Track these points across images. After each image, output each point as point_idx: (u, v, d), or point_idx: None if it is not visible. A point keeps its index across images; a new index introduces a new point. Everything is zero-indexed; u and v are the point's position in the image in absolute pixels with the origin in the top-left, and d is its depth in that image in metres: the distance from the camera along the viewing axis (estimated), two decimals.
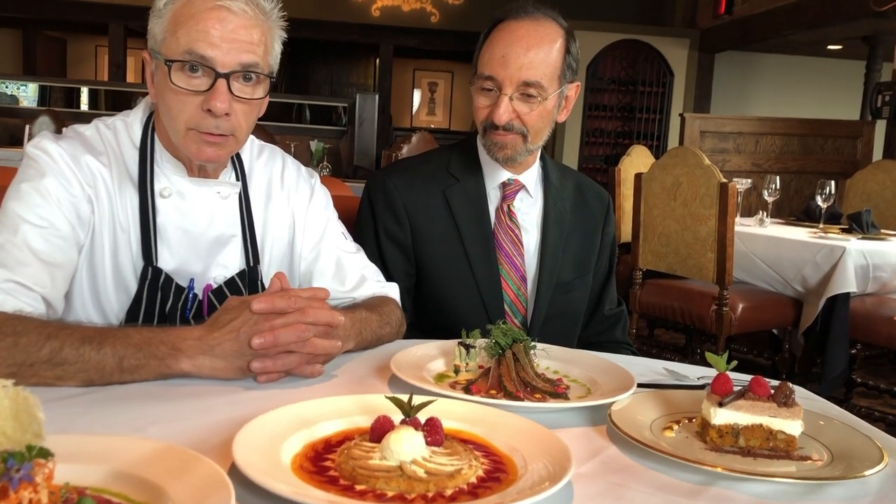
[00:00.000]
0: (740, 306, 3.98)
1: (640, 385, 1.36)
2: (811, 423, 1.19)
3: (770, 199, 4.78)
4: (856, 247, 3.95)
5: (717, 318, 3.94)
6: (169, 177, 1.55)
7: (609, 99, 10.14)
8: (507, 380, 1.33)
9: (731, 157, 6.66)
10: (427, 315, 1.80)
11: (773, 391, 1.15)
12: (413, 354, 1.47)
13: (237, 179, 1.64)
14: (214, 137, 1.46)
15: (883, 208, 5.13)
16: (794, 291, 4.13)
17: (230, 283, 1.60)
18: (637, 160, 5.51)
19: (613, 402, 1.23)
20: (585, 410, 1.26)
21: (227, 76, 1.42)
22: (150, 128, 1.56)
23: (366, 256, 1.78)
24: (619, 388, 1.31)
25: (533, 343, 1.41)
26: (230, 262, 1.60)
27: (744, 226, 4.49)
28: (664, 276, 4.32)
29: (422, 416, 1.03)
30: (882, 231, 4.47)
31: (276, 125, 9.01)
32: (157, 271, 1.51)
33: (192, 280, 1.56)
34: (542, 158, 1.99)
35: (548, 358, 1.50)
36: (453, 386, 1.36)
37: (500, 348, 1.37)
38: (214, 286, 1.58)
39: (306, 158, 7.22)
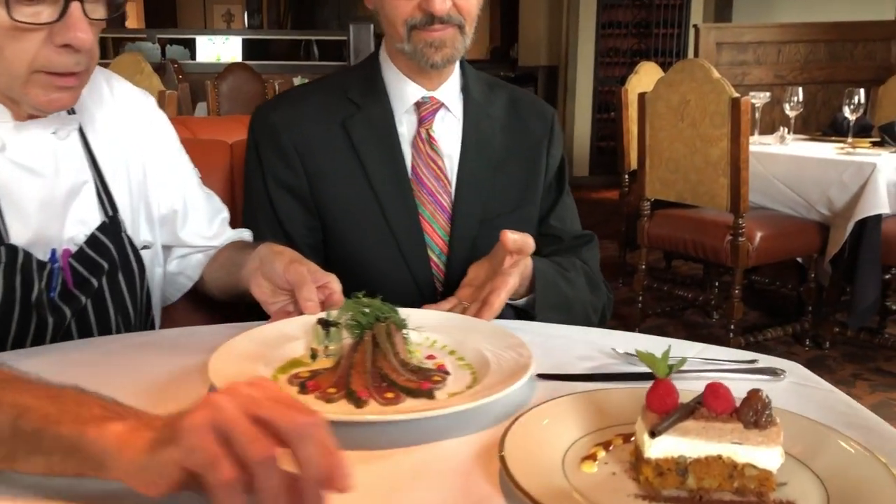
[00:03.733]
0: (758, 235, 3.58)
1: (555, 376, 1.04)
2: (801, 437, 0.84)
3: (792, 114, 4.33)
4: (888, 162, 3.52)
5: (733, 250, 3.55)
6: None
7: (623, 15, 9.50)
8: (356, 373, 1.04)
9: (750, 69, 6.13)
10: (341, 276, 1.46)
11: (739, 404, 0.79)
12: (266, 334, 1.17)
13: (69, 113, 1.33)
14: (69, 79, 1.18)
15: None
16: (820, 215, 3.72)
17: (92, 241, 1.32)
18: (646, 78, 5.04)
19: (512, 425, 0.87)
20: (466, 415, 0.93)
21: None
22: None
23: (219, 199, 1.52)
24: (511, 377, 1.01)
25: (404, 319, 1.13)
26: (88, 216, 1.33)
27: (762, 144, 4.06)
28: (674, 206, 3.93)
29: None
30: None
31: (281, 64, 8.63)
32: (12, 250, 1.22)
33: (52, 251, 1.27)
34: (461, 66, 1.61)
35: (438, 331, 1.22)
36: (292, 381, 1.07)
37: (361, 328, 1.06)
38: (74, 249, 1.30)
39: None
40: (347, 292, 1.30)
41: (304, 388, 1.03)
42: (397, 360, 1.06)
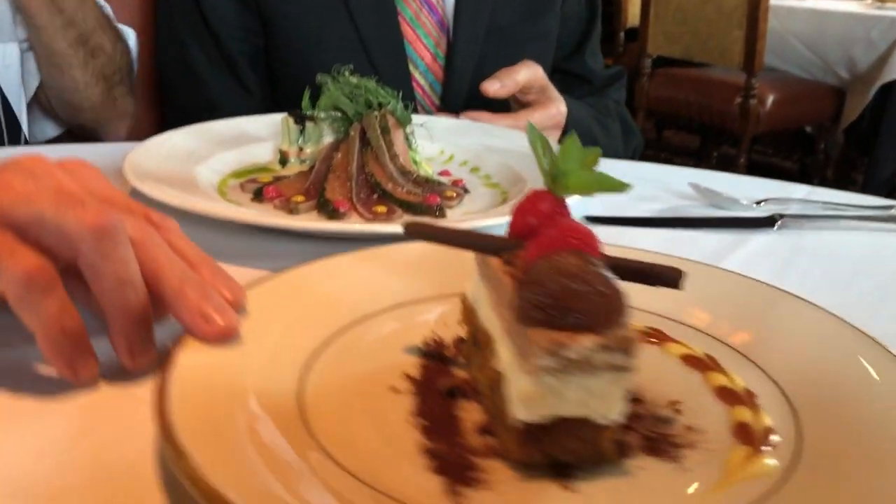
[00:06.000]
0: (770, 98, 3.23)
1: (613, 220, 0.70)
2: (753, 318, 0.51)
3: None
4: None
5: (742, 113, 3.19)
6: None
7: None
8: (335, 178, 0.74)
9: None
10: (289, 99, 1.09)
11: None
12: (218, 131, 0.88)
13: None
14: None
15: None
16: (837, 79, 3.36)
17: None
18: None
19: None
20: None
21: None
22: None
23: None
24: None
25: (408, 111, 0.81)
26: None
27: None
28: (679, 64, 3.53)
29: None
30: None
31: None
32: None
33: None
34: None
35: (455, 143, 0.91)
36: (245, 186, 0.79)
37: (346, 120, 0.78)
38: None
39: None
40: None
41: (258, 195, 0.76)
42: (395, 166, 0.77)
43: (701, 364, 0.48)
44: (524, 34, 1.21)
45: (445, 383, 0.46)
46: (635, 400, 0.44)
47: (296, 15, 1.14)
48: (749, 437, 0.42)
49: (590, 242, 0.40)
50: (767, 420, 0.43)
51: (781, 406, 0.44)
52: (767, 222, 0.72)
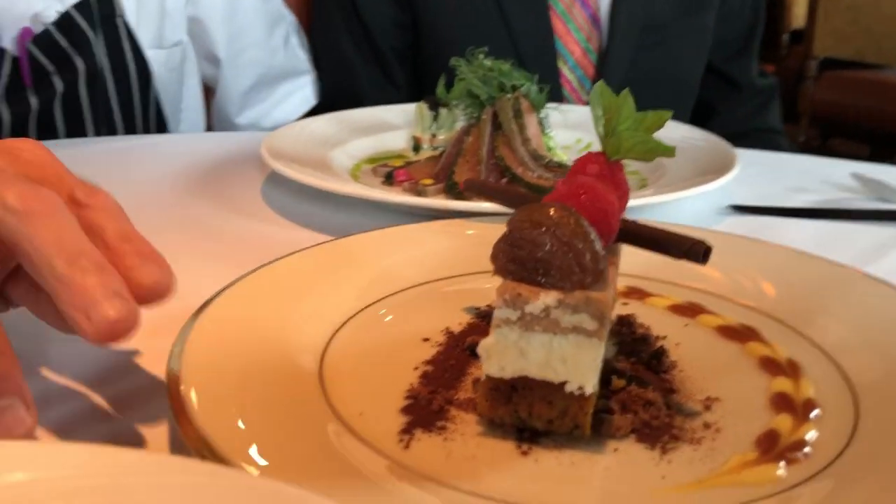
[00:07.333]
0: None
1: (760, 210, 0.65)
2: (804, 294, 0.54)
3: None
4: None
5: None
6: None
7: None
8: (465, 161, 0.73)
9: None
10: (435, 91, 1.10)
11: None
12: (355, 118, 0.90)
13: None
14: None
15: None
16: None
17: (65, 22, 0.96)
18: None
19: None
20: None
21: None
22: None
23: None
24: (698, 178, 0.69)
25: (542, 94, 0.80)
26: None
27: None
28: (849, 66, 3.31)
29: None
30: None
31: None
32: None
33: None
34: None
35: (587, 125, 0.86)
36: (377, 171, 0.80)
37: (479, 103, 0.77)
38: (37, 31, 0.96)
39: None
40: None
41: (389, 179, 0.78)
42: (526, 150, 0.75)
43: (741, 335, 0.48)
44: (680, 30, 1.17)
45: (473, 340, 0.46)
46: (669, 390, 0.42)
47: (446, 10, 1.15)
48: (771, 442, 0.38)
49: (599, 202, 0.38)
50: (810, 391, 0.42)
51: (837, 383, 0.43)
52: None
